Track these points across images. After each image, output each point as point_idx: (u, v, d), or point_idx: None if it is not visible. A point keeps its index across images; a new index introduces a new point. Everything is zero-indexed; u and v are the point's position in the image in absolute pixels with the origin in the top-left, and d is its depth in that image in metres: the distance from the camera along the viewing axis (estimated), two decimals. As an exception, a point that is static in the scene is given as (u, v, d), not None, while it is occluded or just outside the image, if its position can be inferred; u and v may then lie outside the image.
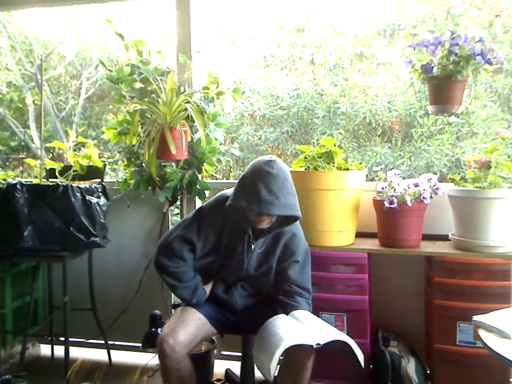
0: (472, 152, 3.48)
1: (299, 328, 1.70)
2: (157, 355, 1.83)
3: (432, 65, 2.14)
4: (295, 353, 1.67)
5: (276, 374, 1.61)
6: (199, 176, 2.59)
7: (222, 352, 2.75)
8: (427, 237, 2.36)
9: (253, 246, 1.93)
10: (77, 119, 6.01)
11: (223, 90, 2.55)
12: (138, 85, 2.53)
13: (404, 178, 2.38)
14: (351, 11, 4.26)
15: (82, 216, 2.46)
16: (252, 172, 1.80)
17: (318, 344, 1.59)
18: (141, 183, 2.58)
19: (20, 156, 6.06)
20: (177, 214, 3.59)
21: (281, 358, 1.64)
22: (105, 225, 2.59)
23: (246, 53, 4.32)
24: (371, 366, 2.35)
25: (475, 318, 1.70)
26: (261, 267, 1.96)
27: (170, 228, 2.88)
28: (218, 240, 1.95)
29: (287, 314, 1.83)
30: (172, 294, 2.89)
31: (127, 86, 2.51)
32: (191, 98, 2.37)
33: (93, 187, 2.58)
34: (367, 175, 2.45)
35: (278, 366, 1.77)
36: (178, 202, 2.70)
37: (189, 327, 1.85)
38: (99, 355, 2.89)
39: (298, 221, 1.92)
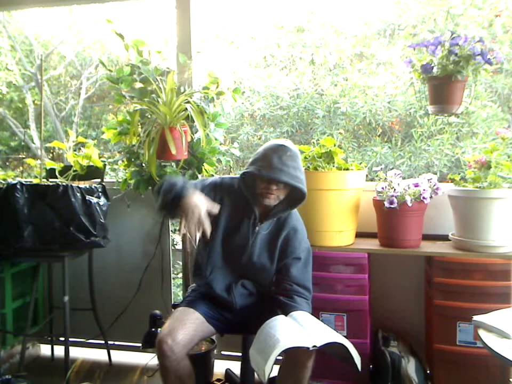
0: (472, 152, 3.47)
1: (296, 329, 1.69)
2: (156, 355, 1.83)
3: (432, 65, 2.14)
4: (295, 353, 1.66)
5: (272, 376, 1.61)
6: (199, 176, 2.59)
7: (222, 352, 2.75)
8: (427, 237, 2.36)
9: (257, 228, 1.95)
10: (77, 119, 6.01)
11: (223, 90, 2.55)
12: (138, 85, 2.53)
13: (403, 178, 2.38)
14: (351, 11, 4.25)
15: (82, 216, 2.46)
16: (265, 146, 1.92)
17: (314, 346, 1.59)
18: (141, 183, 2.58)
19: (20, 156, 6.06)
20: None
21: (281, 358, 1.64)
22: (105, 225, 2.59)
23: (246, 53, 4.31)
24: (371, 366, 2.35)
25: (475, 318, 1.70)
26: (262, 255, 1.96)
27: (170, 228, 2.89)
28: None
29: (286, 315, 1.83)
30: (172, 293, 2.90)
31: (127, 86, 2.51)
32: (191, 98, 2.37)
33: (93, 187, 2.58)
34: (367, 175, 2.45)
35: (278, 366, 1.78)
36: (178, 202, 2.70)
37: (187, 327, 1.85)
38: (99, 355, 2.89)
39: (300, 209, 1.98)
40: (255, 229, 1.96)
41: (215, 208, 1.83)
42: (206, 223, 1.73)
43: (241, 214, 1.97)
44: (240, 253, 1.97)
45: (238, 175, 1.98)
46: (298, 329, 1.70)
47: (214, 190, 1.97)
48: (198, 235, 1.75)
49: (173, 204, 1.76)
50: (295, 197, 1.92)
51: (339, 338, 1.65)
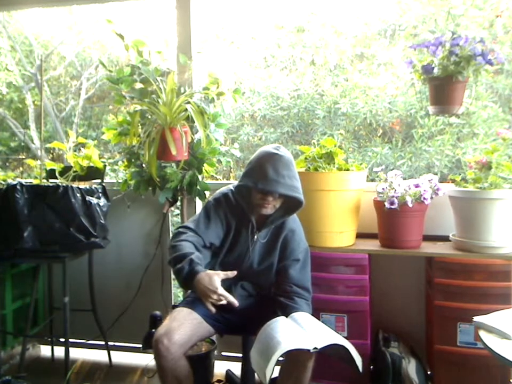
0: (472, 152, 3.47)
1: (297, 331, 1.69)
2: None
3: (433, 65, 2.14)
4: (296, 354, 1.66)
5: (273, 376, 1.61)
6: (199, 176, 2.59)
7: (223, 353, 2.75)
8: (428, 238, 2.36)
9: (256, 236, 1.95)
10: (77, 119, 6.00)
11: (223, 91, 2.54)
12: (138, 85, 2.53)
13: (404, 179, 2.37)
14: (351, 11, 4.25)
15: (83, 216, 2.45)
16: (259, 155, 1.90)
17: (315, 348, 1.59)
18: (141, 184, 2.58)
19: (20, 157, 6.04)
20: (178, 214, 3.59)
21: (281, 359, 1.64)
22: (105, 226, 2.59)
23: (246, 53, 4.31)
24: (371, 367, 2.34)
25: (475, 318, 1.70)
26: (263, 262, 1.97)
27: (170, 228, 2.89)
28: (224, 233, 1.98)
29: (286, 316, 1.83)
30: (172, 294, 2.89)
31: (127, 86, 2.51)
32: (191, 98, 2.37)
33: (93, 188, 2.58)
34: (367, 176, 2.45)
35: (279, 366, 1.78)
36: (178, 203, 2.70)
37: (184, 327, 1.85)
38: (99, 356, 2.89)
39: (298, 214, 1.97)
40: (253, 238, 1.96)
41: (231, 274, 1.84)
42: (226, 296, 1.76)
43: (239, 224, 1.98)
44: (240, 262, 1.97)
45: (228, 187, 2.02)
46: (299, 331, 1.70)
47: (218, 213, 1.97)
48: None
49: (188, 286, 1.82)
50: (292, 203, 1.92)
51: (340, 340, 1.64)
